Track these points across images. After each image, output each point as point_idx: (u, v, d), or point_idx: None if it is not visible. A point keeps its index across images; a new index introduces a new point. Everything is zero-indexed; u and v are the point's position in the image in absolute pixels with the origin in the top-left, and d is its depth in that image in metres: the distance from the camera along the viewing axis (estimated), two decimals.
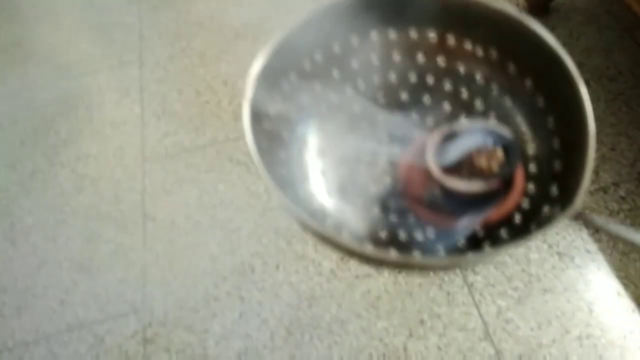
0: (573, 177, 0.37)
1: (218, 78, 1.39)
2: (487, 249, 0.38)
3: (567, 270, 0.94)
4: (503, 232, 0.41)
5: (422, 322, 0.92)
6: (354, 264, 1.00)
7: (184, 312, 1.00)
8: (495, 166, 0.40)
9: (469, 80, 0.47)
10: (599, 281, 0.92)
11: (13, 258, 1.12)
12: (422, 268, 0.40)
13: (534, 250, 0.97)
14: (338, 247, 0.35)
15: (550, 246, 0.97)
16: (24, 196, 1.22)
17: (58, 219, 1.17)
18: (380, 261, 0.36)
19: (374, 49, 0.48)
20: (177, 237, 1.10)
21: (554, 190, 0.41)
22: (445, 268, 0.43)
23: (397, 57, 0.48)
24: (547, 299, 0.91)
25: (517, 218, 0.42)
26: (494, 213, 0.41)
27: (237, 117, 1.29)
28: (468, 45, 0.47)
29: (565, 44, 1.27)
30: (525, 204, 0.42)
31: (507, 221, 0.42)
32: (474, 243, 0.41)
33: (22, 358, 0.97)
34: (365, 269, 0.99)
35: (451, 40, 0.47)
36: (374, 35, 0.47)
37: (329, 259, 1.02)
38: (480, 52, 0.46)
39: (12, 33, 1.60)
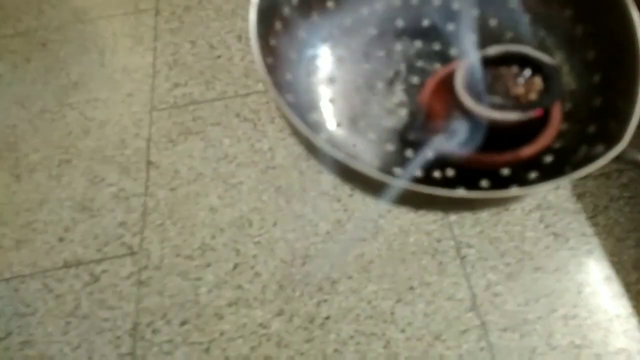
0: (616, 114, 0.34)
1: (232, 33, 1.39)
2: (516, 188, 0.35)
3: (561, 251, 0.94)
4: (532, 174, 0.38)
5: (411, 288, 0.94)
6: (350, 227, 1.01)
7: (180, 259, 1.01)
8: (534, 95, 0.36)
9: (499, 6, 0.43)
10: (591, 264, 0.92)
11: (16, 192, 1.13)
12: (438, 203, 0.36)
13: (530, 228, 0.97)
14: (352, 174, 0.32)
15: (547, 226, 0.97)
16: (31, 134, 1.23)
17: (63, 158, 1.18)
18: (406, 196, 0.33)
19: None
20: (179, 186, 1.12)
21: (593, 129, 0.37)
22: (471, 205, 0.38)
23: None
24: (538, 277, 0.92)
25: (549, 159, 0.38)
26: (528, 149, 0.37)
27: (249, 73, 1.29)
28: None
29: None
30: (559, 144, 0.38)
31: (536, 163, 0.38)
32: (500, 184, 0.37)
33: (18, 289, 1.00)
34: (361, 233, 1.00)
35: None
36: None
37: (326, 220, 1.02)
38: None
39: None
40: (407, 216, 1.01)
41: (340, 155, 0.31)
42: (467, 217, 1.00)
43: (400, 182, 0.31)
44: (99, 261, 1.03)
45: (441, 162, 0.39)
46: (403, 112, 0.42)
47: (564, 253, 0.94)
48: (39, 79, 1.34)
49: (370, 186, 0.34)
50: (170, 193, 1.11)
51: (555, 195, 1.00)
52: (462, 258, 0.96)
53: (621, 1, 0.36)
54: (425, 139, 0.39)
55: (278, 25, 0.39)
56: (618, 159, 0.33)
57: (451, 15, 0.44)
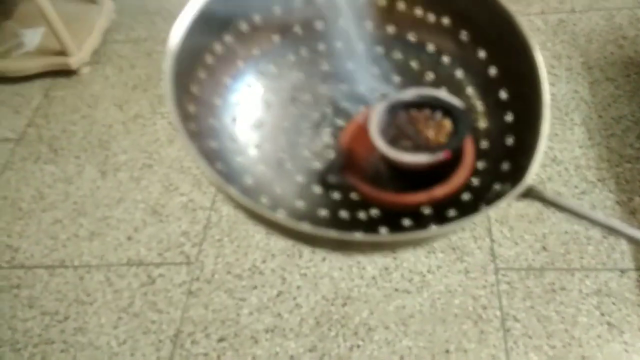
0: (526, 152, 0.35)
1: None
2: (430, 228, 0.36)
3: (612, 343, 0.89)
4: (451, 211, 0.39)
5: (447, 351, 0.92)
6: (396, 276, 1.01)
7: (230, 276, 1.06)
8: (443, 137, 0.38)
9: (419, 49, 0.45)
10: None
11: (100, 188, 1.24)
12: (359, 247, 0.38)
13: (584, 313, 0.93)
14: (271, 224, 0.33)
15: (602, 314, 0.92)
16: (123, 135, 1.34)
17: (146, 163, 1.27)
18: (316, 239, 0.34)
19: (318, 14, 0.45)
20: None
21: (506, 166, 0.39)
22: (384, 247, 0.39)
23: (343, 22, 0.45)
24: None
25: (466, 196, 0.40)
26: (441, 189, 0.38)
27: None
28: (419, 11, 0.44)
29: None
30: (476, 181, 0.40)
31: (455, 199, 0.39)
32: (420, 222, 0.39)
33: (83, 278, 1.08)
34: (406, 284, 1.00)
35: (401, 5, 0.44)
36: None
37: (374, 265, 1.03)
38: (432, 18, 0.44)
39: None
40: (457, 276, 0.99)
41: (247, 202, 0.32)
42: (519, 289, 0.97)
43: (302, 227, 0.32)
44: (157, 265, 1.09)
45: (366, 203, 0.40)
46: (328, 154, 0.43)
47: (616, 346, 0.88)
48: (139, 86, 1.45)
49: (277, 230, 0.35)
50: (233, 211, 1.16)
51: (617, 282, 0.95)
52: (506, 331, 0.93)
53: (525, 42, 0.38)
54: (347, 183, 0.40)
55: (201, 73, 0.41)
56: (527, 196, 0.34)
57: (374, 58, 0.45)
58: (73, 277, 1.09)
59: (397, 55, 0.46)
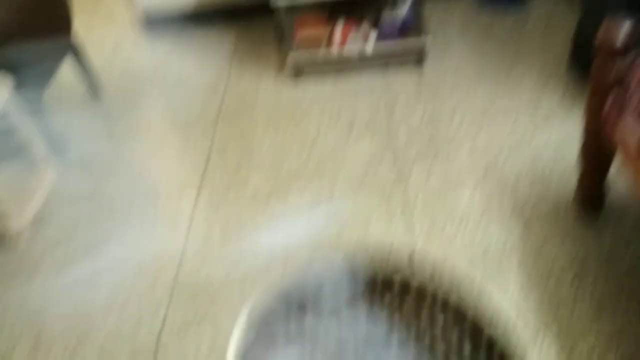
0: None
1: (265, 216, 1.45)
2: None
3: None
4: None
5: None
6: None
7: None
8: None
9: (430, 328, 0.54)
10: None
11: None
12: None
13: None
14: None
15: None
16: (56, 305, 1.29)
17: (82, 336, 1.22)
18: None
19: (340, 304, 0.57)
20: None
21: None
22: None
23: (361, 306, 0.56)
24: None
25: None
26: None
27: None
28: (440, 317, 0.55)
29: (611, 251, 1.20)
30: None
31: None
32: None
33: None
34: None
35: (410, 301, 0.55)
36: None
37: None
38: (440, 320, 0.54)
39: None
40: None
41: None
42: None
43: None
44: None
45: None
46: None
47: None
48: (80, 248, 1.43)
49: None
50: None
51: None
52: None
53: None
54: None
55: None
56: None
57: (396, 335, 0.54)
58: None
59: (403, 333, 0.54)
